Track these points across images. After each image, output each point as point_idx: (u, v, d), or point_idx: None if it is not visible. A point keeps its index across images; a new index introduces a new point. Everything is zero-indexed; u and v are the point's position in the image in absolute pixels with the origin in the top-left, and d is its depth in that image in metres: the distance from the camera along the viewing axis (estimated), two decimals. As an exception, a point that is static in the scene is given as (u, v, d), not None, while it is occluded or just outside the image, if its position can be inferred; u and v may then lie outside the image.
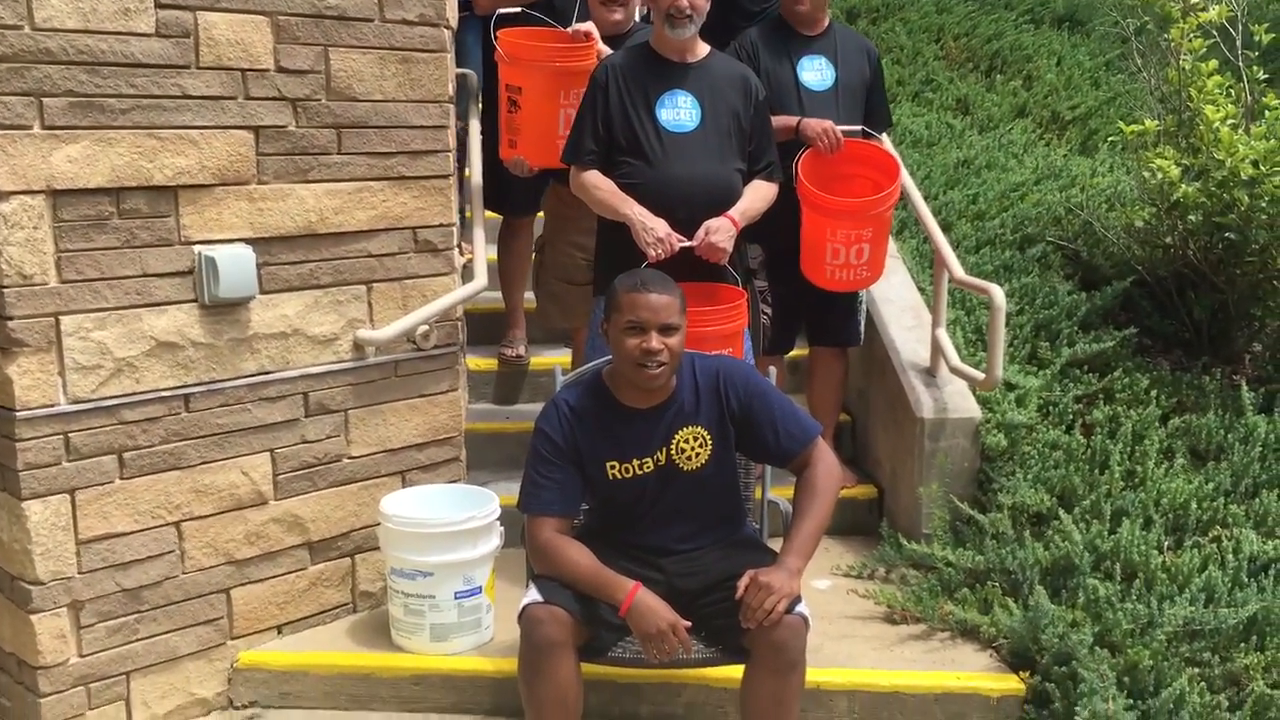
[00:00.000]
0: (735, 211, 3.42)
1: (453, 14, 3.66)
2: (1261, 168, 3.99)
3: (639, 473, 2.81)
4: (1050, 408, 4.03)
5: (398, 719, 3.29)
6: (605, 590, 2.64)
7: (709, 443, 2.82)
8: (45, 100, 2.87)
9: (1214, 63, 4.32)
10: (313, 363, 3.43)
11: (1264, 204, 4.00)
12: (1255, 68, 4.49)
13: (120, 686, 3.16)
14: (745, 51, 4.00)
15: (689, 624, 2.63)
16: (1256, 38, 4.42)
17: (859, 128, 4.02)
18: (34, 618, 2.98)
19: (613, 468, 2.80)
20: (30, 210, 2.88)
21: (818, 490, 2.75)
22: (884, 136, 4.23)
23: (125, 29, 2.96)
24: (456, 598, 3.35)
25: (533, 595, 2.69)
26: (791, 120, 3.90)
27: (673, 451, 2.80)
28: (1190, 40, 4.37)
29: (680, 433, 2.80)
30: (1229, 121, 4.12)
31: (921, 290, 4.55)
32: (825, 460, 2.81)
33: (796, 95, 4.00)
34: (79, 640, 3.07)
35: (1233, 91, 4.41)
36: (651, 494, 2.84)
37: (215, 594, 3.32)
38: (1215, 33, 4.63)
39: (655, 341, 2.67)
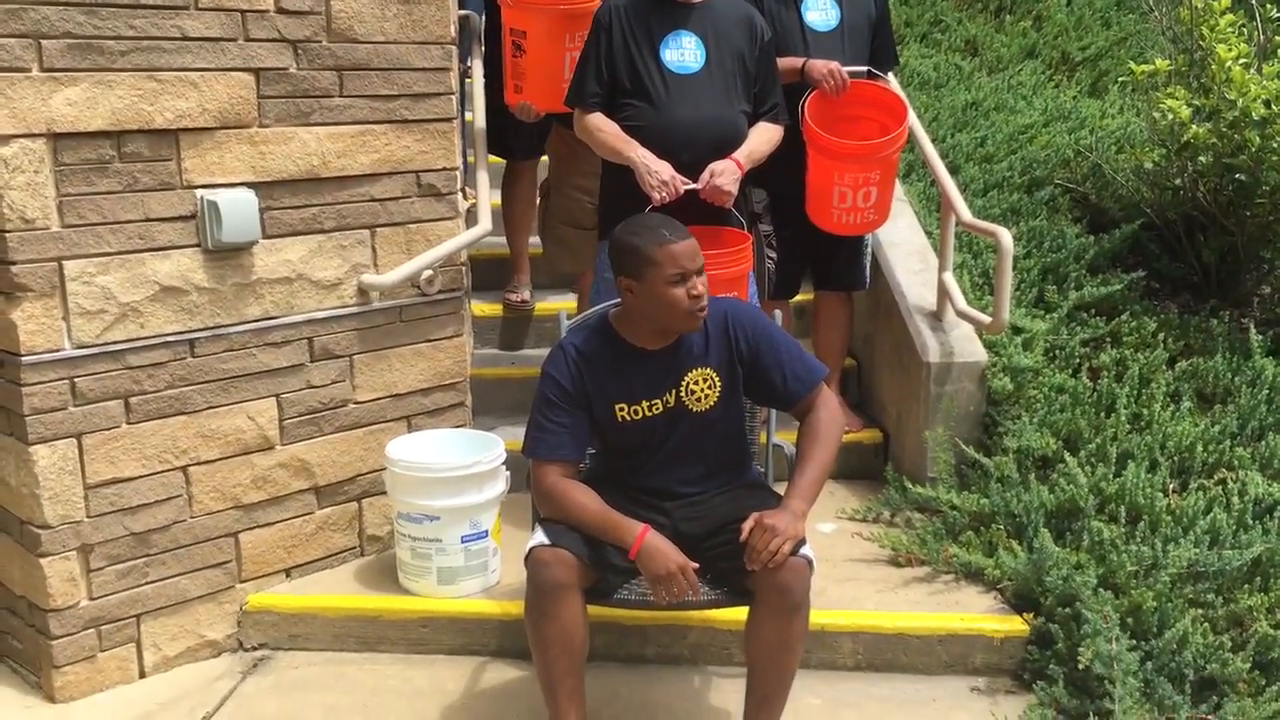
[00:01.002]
0: (740, 154, 3.39)
1: (454, -46, 3.62)
2: (1274, 108, 3.94)
3: (648, 414, 2.81)
4: (1057, 351, 4.02)
5: (405, 660, 3.32)
6: (614, 533, 2.65)
7: (718, 384, 2.82)
8: (44, 42, 2.84)
9: (1226, 0, 4.26)
10: (317, 308, 3.43)
11: (1275, 145, 3.96)
12: (1269, 6, 4.42)
13: (131, 629, 3.19)
14: (749, -8, 3.94)
15: (697, 566, 2.64)
16: (1270, -25, 4.36)
17: (865, 68, 3.97)
18: (44, 561, 3.01)
19: (621, 410, 2.80)
20: (31, 154, 2.86)
21: (821, 434, 2.74)
22: (890, 76, 4.18)
23: (123, -31, 2.93)
24: (463, 541, 3.37)
25: (539, 538, 2.70)
26: (797, 62, 3.85)
27: (682, 393, 2.80)
28: (1203, -22, 4.30)
29: (690, 374, 2.80)
30: (1241, 61, 4.07)
31: (928, 234, 4.53)
32: (829, 405, 2.80)
33: (801, 36, 3.94)
34: (89, 583, 3.09)
35: (1245, 30, 4.35)
36: (660, 436, 2.84)
37: (223, 538, 3.34)
38: (1228, -30, 4.56)
39: (700, 285, 2.67)
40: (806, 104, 3.77)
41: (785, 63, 3.76)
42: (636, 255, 2.69)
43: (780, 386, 2.81)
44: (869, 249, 4.27)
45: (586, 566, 2.66)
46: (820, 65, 3.82)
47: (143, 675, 3.24)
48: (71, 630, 3.08)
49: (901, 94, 4.11)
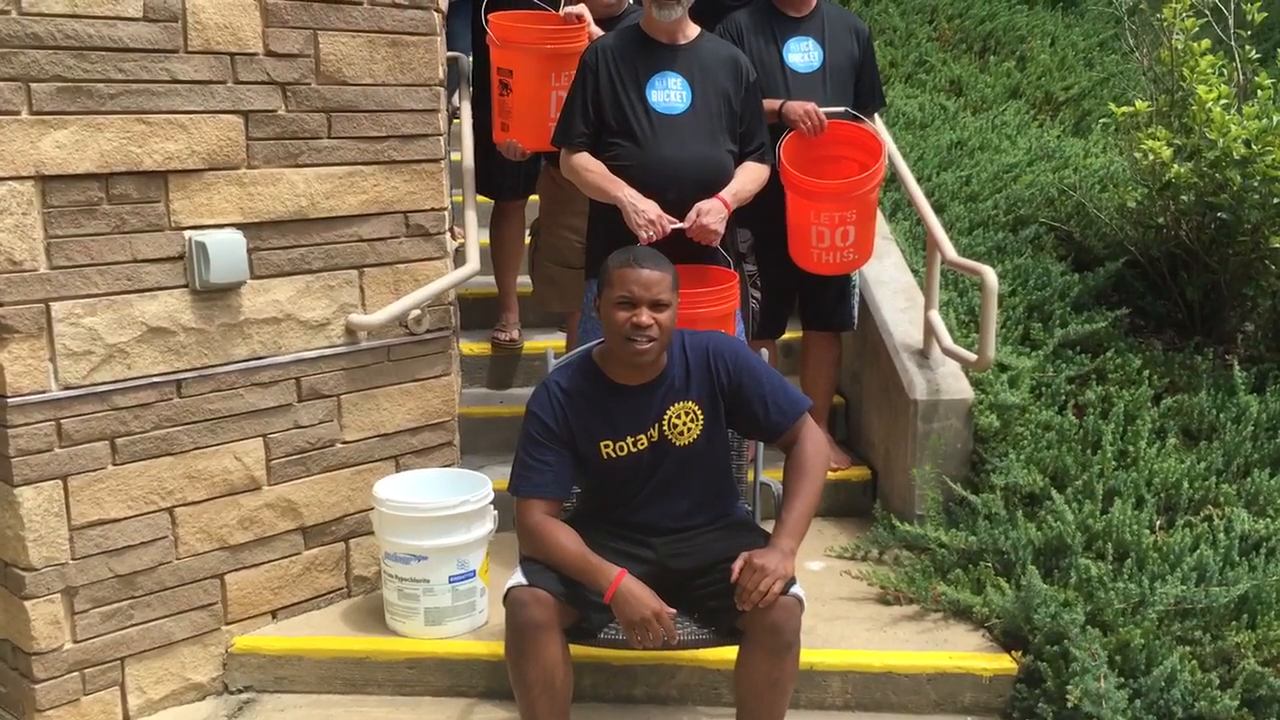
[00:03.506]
0: (727, 193, 3.42)
1: (443, -4, 3.66)
2: (1254, 147, 3.98)
3: (633, 450, 2.81)
4: (1043, 388, 4.03)
5: (392, 702, 3.30)
6: (590, 577, 2.65)
7: (700, 418, 2.83)
8: (33, 85, 2.86)
9: (1206, 42, 4.31)
10: (305, 348, 3.43)
11: (1256, 183, 4.01)
12: (1248, 47, 4.48)
13: (115, 672, 3.17)
14: (730, 35, 3.97)
15: (673, 611, 2.64)
16: (1249, 17, 4.41)
17: (843, 109, 4.00)
18: (28, 604, 2.99)
19: (606, 447, 2.81)
20: (19, 196, 2.87)
21: (807, 470, 2.75)
22: (875, 116, 4.22)
23: (113, 13, 2.95)
24: (451, 581, 3.36)
25: (517, 578, 2.69)
26: (775, 103, 3.88)
27: (665, 427, 2.81)
28: (1183, 20, 4.36)
29: (672, 408, 2.81)
30: (1221, 101, 4.12)
31: (915, 272, 4.55)
32: (813, 438, 2.81)
33: (783, 77, 3.98)
34: (73, 626, 3.07)
35: (1225, 71, 4.40)
36: (645, 471, 2.84)
37: (209, 579, 3.32)
38: (1208, 12, 4.62)
39: (645, 316, 2.68)
40: (783, 145, 3.80)
41: (765, 104, 3.79)
42: (604, 272, 2.79)
43: (763, 418, 2.82)
44: (856, 289, 4.29)
45: (565, 605, 2.66)
46: (797, 106, 3.85)
47: (127, 719, 3.21)
48: (55, 674, 3.05)
49: (884, 134, 4.14)
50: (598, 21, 3.96)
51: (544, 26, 3.88)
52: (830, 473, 4.08)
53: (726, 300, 3.36)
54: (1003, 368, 4.05)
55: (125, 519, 3.13)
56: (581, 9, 3.90)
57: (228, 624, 3.37)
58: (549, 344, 4.53)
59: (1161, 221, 4.46)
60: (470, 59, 4.42)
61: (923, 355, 4.09)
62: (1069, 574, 3.33)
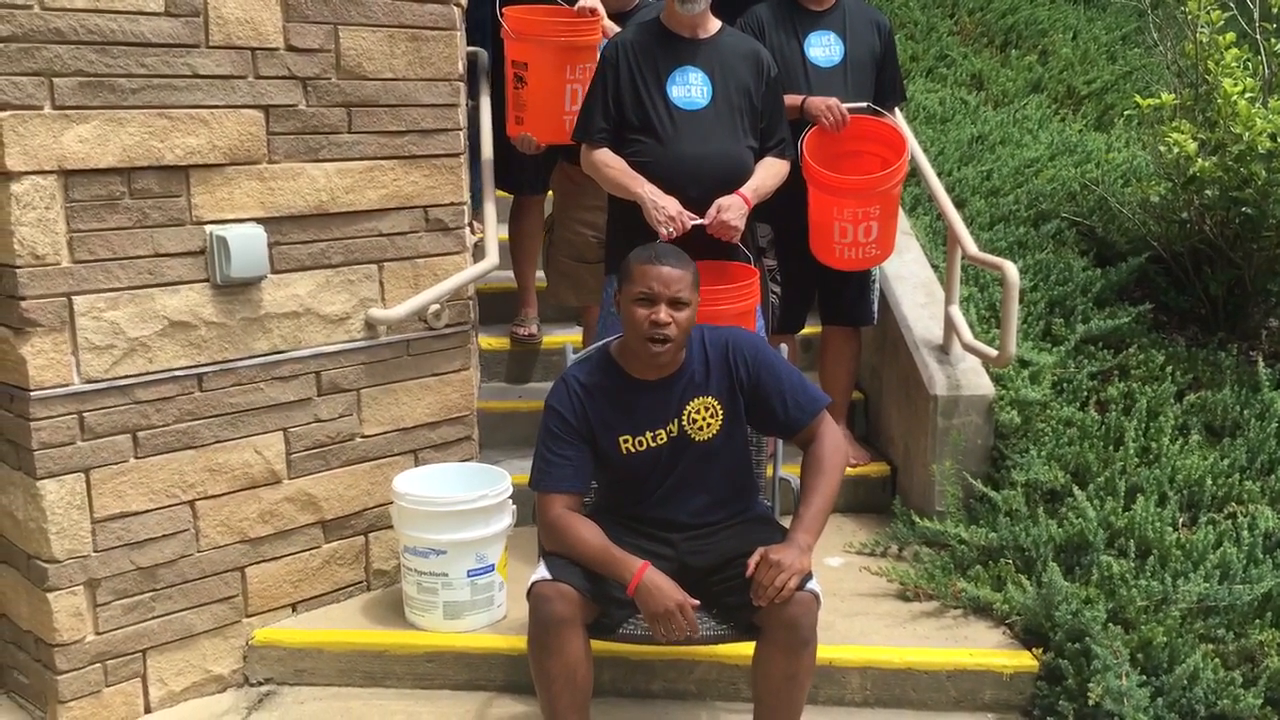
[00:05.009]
0: (747, 189, 3.40)
1: (463, -9, 3.66)
2: (1279, 141, 3.95)
3: (652, 445, 2.81)
4: (1064, 384, 4.01)
5: (411, 696, 3.31)
6: (613, 569, 2.65)
7: (720, 413, 2.82)
8: (55, 80, 2.87)
9: (1232, 35, 4.28)
10: (325, 342, 3.44)
11: (1281, 178, 3.97)
12: (1273, 40, 4.44)
13: (137, 664, 3.19)
14: (752, 29, 3.96)
15: (697, 603, 2.63)
16: (1275, 9, 4.37)
17: (865, 104, 3.98)
18: (50, 596, 3.01)
19: (625, 441, 2.80)
20: (42, 190, 2.88)
21: (825, 466, 2.75)
22: (896, 111, 4.20)
23: (134, 8, 2.96)
24: (469, 575, 3.36)
25: (541, 572, 2.69)
26: (796, 99, 3.87)
27: (684, 422, 2.80)
28: (1208, 13, 4.32)
29: (691, 403, 2.81)
30: (1247, 95, 4.08)
31: (935, 267, 4.53)
32: (831, 435, 2.80)
33: (804, 72, 3.97)
34: (95, 618, 3.09)
35: (1251, 64, 4.36)
36: (664, 467, 2.84)
37: (230, 572, 3.34)
38: (1233, 4, 4.58)
39: (664, 314, 2.68)
40: (805, 140, 3.79)
41: (786, 99, 3.78)
42: (624, 268, 2.79)
43: (781, 414, 2.82)
44: (876, 284, 4.27)
45: (589, 601, 2.66)
46: (819, 101, 3.84)
47: (148, 710, 3.23)
48: (77, 665, 3.08)
49: (905, 129, 4.12)
50: (610, 16, 3.95)
51: (558, 19, 3.87)
52: (849, 468, 4.08)
53: (747, 297, 3.35)
54: (1024, 363, 4.03)
55: (147, 512, 3.15)
56: (595, 2, 3.89)
57: (248, 616, 3.39)
58: (567, 339, 4.53)
59: (1185, 216, 4.43)
60: (489, 53, 4.42)
61: (943, 351, 4.08)
62: (1090, 571, 3.32)
